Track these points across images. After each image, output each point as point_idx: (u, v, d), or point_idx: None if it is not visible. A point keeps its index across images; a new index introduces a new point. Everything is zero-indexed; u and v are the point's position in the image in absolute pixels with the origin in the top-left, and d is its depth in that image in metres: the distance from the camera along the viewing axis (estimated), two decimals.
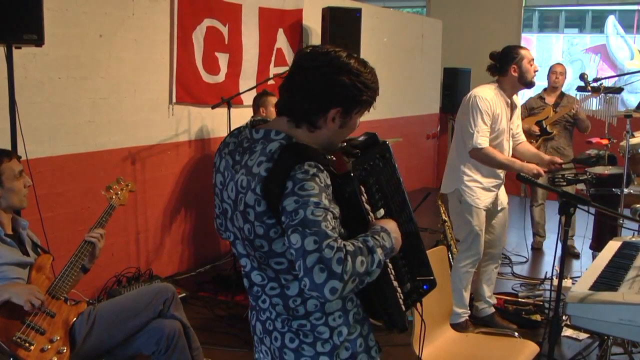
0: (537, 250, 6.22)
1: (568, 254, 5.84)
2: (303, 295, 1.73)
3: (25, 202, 2.95)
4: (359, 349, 1.81)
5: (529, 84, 3.99)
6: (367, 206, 1.75)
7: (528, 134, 5.51)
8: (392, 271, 1.82)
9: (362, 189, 1.75)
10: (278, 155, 1.65)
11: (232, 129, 5.30)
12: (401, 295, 1.83)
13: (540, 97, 6.09)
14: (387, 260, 1.78)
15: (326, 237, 1.53)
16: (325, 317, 1.75)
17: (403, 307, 1.83)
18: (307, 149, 1.66)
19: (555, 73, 6.02)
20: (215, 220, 1.91)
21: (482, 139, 3.84)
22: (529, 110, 6.00)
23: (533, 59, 3.99)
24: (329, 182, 1.64)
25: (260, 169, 1.65)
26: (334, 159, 1.71)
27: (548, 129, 5.84)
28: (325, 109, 1.71)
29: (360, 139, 1.89)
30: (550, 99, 6.02)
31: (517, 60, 3.91)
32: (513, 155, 4.12)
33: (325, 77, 1.70)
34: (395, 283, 1.82)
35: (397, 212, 1.86)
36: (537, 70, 3.98)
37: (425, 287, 1.95)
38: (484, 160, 3.91)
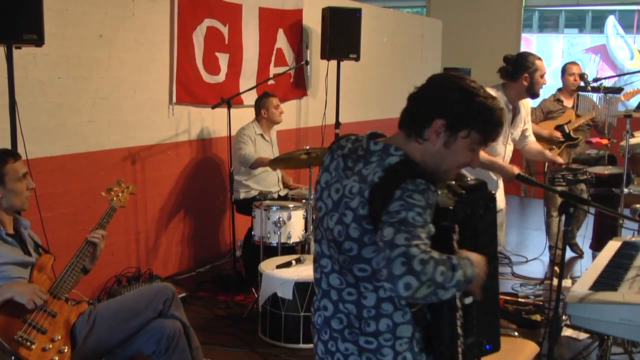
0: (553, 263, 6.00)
1: (573, 251, 5.71)
2: (379, 309, 1.74)
3: (26, 204, 2.95)
4: None
5: (534, 95, 3.96)
6: (455, 246, 1.74)
7: (548, 140, 5.33)
8: (461, 318, 1.80)
9: (457, 228, 1.75)
10: (393, 167, 1.69)
11: (231, 128, 5.28)
12: (462, 345, 1.82)
13: (557, 99, 5.70)
14: (459, 304, 1.78)
15: (418, 238, 1.55)
16: (393, 339, 1.75)
17: (460, 356, 1.82)
18: (422, 169, 1.70)
19: (573, 75, 5.62)
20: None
21: None
22: (545, 113, 5.64)
23: (544, 74, 3.95)
24: (434, 203, 1.65)
25: (374, 177, 1.69)
26: (439, 192, 1.71)
27: (572, 134, 5.49)
28: (429, 117, 1.73)
29: (470, 182, 1.89)
30: (569, 102, 5.66)
31: (531, 71, 3.84)
32: (520, 155, 4.11)
33: (440, 88, 1.75)
34: (460, 330, 1.80)
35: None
36: (544, 84, 3.94)
37: (488, 347, 1.92)
38: None
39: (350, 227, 1.71)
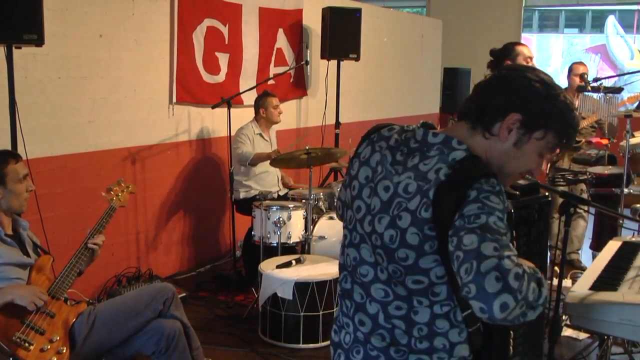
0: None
1: (573, 266, 5.43)
2: (432, 326, 1.52)
3: (25, 206, 2.94)
4: None
5: None
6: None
7: None
8: (512, 338, 1.68)
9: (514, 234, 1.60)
10: (461, 163, 1.47)
11: (231, 128, 5.26)
12: None
13: None
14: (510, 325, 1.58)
15: (508, 249, 1.33)
16: (448, 358, 1.54)
17: None
18: (489, 167, 1.50)
19: (579, 75, 5.41)
20: (336, 210, 1.74)
21: None
22: None
23: (531, 57, 3.92)
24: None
25: (438, 175, 1.46)
26: None
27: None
28: (504, 110, 1.52)
29: (522, 182, 1.72)
30: (576, 103, 5.42)
31: (512, 56, 3.86)
32: None
33: (520, 80, 1.53)
34: (511, 349, 1.68)
35: None
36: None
37: None
38: None
39: (407, 232, 1.47)
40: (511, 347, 1.68)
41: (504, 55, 3.89)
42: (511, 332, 1.66)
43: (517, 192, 1.67)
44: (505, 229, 1.37)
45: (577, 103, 5.55)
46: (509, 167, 1.56)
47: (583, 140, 5.50)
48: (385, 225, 1.52)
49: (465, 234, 1.35)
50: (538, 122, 1.52)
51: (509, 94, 1.52)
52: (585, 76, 5.40)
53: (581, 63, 5.65)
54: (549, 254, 5.47)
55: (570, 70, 5.62)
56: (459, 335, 1.54)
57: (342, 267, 1.67)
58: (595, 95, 5.37)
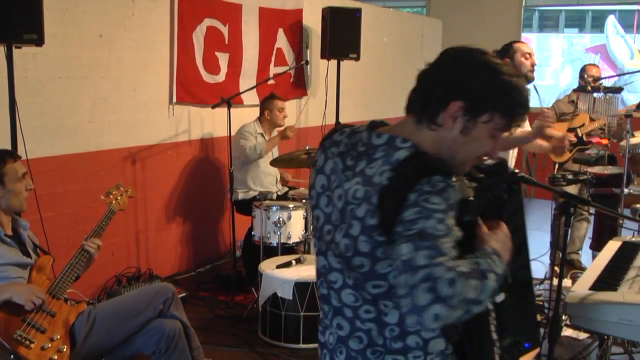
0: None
1: (573, 267, 5.44)
2: (402, 326, 1.50)
3: (24, 205, 2.95)
4: None
5: (526, 79, 3.93)
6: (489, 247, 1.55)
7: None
8: (494, 320, 1.64)
9: (480, 220, 1.56)
10: (403, 164, 1.44)
11: (231, 128, 5.26)
12: (498, 349, 1.65)
13: (571, 100, 5.49)
14: (490, 305, 1.59)
15: (441, 254, 1.31)
16: (424, 355, 1.53)
17: None
18: (437, 162, 1.44)
19: (592, 77, 5.29)
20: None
21: None
22: (558, 115, 5.44)
23: (530, 53, 3.90)
24: (456, 201, 1.42)
25: (382, 179, 1.43)
26: (455, 180, 1.49)
27: (584, 138, 5.30)
28: (445, 99, 1.48)
29: (487, 162, 1.68)
30: (584, 105, 5.32)
31: (510, 54, 3.87)
32: (521, 156, 4.07)
33: (457, 65, 1.49)
34: (494, 335, 1.64)
35: (513, 255, 1.61)
36: (534, 64, 3.87)
37: (527, 345, 1.75)
38: None
39: (358, 240, 1.46)
40: (494, 328, 1.63)
41: (502, 54, 3.89)
42: (491, 315, 1.62)
43: (482, 174, 1.62)
44: (446, 230, 1.35)
45: (585, 106, 5.50)
46: (462, 155, 1.53)
47: (594, 141, 5.45)
48: (342, 234, 1.51)
49: (402, 243, 1.34)
50: (482, 106, 1.48)
51: (448, 82, 1.49)
52: (586, 76, 5.40)
53: (594, 65, 5.58)
54: (549, 251, 5.52)
55: (583, 71, 5.52)
56: (432, 331, 1.53)
57: (317, 273, 1.66)
58: (596, 95, 5.37)
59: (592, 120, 5.37)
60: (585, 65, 5.62)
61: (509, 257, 1.53)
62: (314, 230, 1.65)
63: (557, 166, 5.21)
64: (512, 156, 4.03)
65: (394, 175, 1.42)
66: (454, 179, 1.43)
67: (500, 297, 1.62)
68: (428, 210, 1.35)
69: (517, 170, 1.76)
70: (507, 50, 3.91)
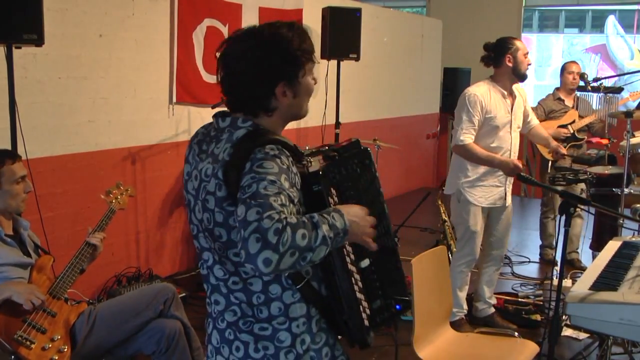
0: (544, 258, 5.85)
1: (573, 266, 5.46)
2: (267, 293, 1.68)
3: (22, 206, 2.94)
4: (324, 359, 1.75)
5: (522, 77, 3.97)
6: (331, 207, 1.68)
7: (554, 139, 5.13)
8: (360, 283, 1.75)
9: (334, 192, 1.71)
10: (240, 140, 1.64)
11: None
12: (367, 310, 1.76)
13: (557, 98, 5.58)
14: (354, 269, 1.72)
15: (270, 208, 1.47)
16: (288, 322, 1.70)
17: (367, 322, 1.76)
18: (270, 134, 1.66)
19: (572, 73, 5.50)
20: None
21: (465, 136, 3.84)
22: (547, 112, 5.51)
23: (527, 53, 3.98)
24: (293, 167, 1.61)
25: (224, 155, 1.64)
26: (311, 160, 1.69)
27: (576, 134, 5.40)
28: (270, 91, 1.69)
29: (344, 144, 1.84)
30: (569, 101, 5.58)
31: (512, 50, 3.91)
32: (528, 139, 4.12)
33: (255, 61, 1.67)
34: (360, 295, 1.75)
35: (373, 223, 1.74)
36: (529, 64, 3.97)
37: (398, 307, 1.88)
38: (465, 156, 3.92)
39: (214, 212, 1.65)
40: (359, 293, 1.73)
41: (504, 50, 3.90)
42: (354, 277, 1.73)
43: (335, 154, 1.78)
44: (278, 190, 1.51)
45: (572, 102, 5.57)
46: (300, 107, 1.76)
47: (585, 138, 5.52)
48: (202, 210, 1.69)
49: (239, 205, 1.51)
50: (295, 73, 1.70)
51: (260, 80, 1.67)
52: (586, 76, 5.42)
53: (574, 62, 5.70)
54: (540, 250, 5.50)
55: (563, 69, 5.67)
56: (293, 296, 1.70)
57: (197, 256, 1.84)
58: (593, 96, 5.39)
59: (581, 117, 5.45)
60: (564, 64, 5.72)
61: (363, 223, 1.65)
62: (188, 216, 1.80)
63: (550, 164, 5.24)
64: (514, 144, 4.03)
65: (234, 151, 1.63)
66: (310, 159, 1.68)
67: (365, 263, 1.78)
68: (260, 174, 1.53)
69: (368, 148, 1.89)
70: (509, 47, 3.91)
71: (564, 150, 4.28)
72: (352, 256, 1.75)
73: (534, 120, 4.28)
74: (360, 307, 1.75)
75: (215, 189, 1.64)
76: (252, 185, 1.52)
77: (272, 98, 1.70)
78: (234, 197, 1.58)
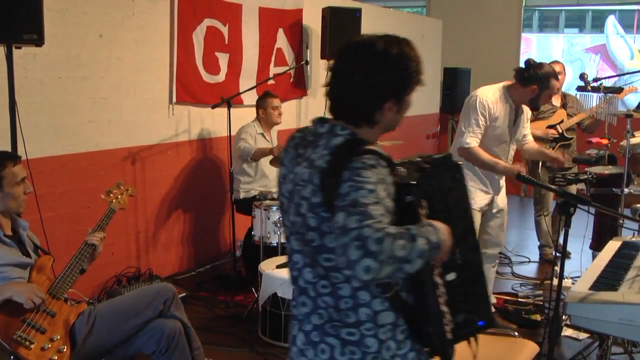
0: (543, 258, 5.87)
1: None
2: (355, 299, 1.70)
3: (23, 207, 2.95)
4: None
5: (535, 108, 4.06)
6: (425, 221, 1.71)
7: (541, 139, 5.23)
8: (445, 295, 1.76)
9: (425, 204, 1.72)
10: (338, 148, 1.67)
11: (231, 128, 5.28)
12: (451, 322, 1.78)
13: None
14: (440, 281, 1.74)
15: (370, 217, 1.50)
16: (376, 328, 1.71)
17: (449, 334, 1.77)
18: (367, 144, 1.67)
19: (558, 74, 5.66)
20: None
21: (471, 139, 3.83)
22: (535, 113, 5.41)
23: (553, 95, 3.99)
24: (388, 178, 1.62)
25: (321, 162, 1.66)
26: (404, 170, 1.72)
27: (565, 134, 5.43)
28: (379, 106, 1.72)
29: (436, 156, 1.85)
30: (557, 101, 5.59)
31: (542, 87, 3.80)
32: (520, 156, 4.11)
33: (372, 76, 1.70)
34: (445, 308, 1.76)
35: (460, 237, 1.78)
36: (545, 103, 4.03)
37: (480, 323, 1.88)
38: (468, 159, 3.89)
39: (307, 217, 1.68)
40: (444, 305, 1.75)
41: (537, 80, 3.75)
42: (439, 289, 1.74)
43: (429, 165, 1.81)
44: (376, 199, 1.54)
45: (560, 102, 5.57)
46: (397, 122, 1.80)
47: (574, 137, 5.55)
48: (295, 214, 1.73)
49: (338, 212, 1.55)
50: (405, 91, 1.74)
51: (371, 95, 1.71)
52: (586, 76, 5.41)
53: (557, 62, 5.66)
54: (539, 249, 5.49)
55: None
56: (382, 304, 1.71)
57: (288, 258, 1.87)
58: (595, 95, 5.38)
59: (569, 116, 5.46)
60: (549, 64, 5.66)
61: (450, 238, 1.68)
62: (282, 217, 1.84)
63: (540, 163, 5.27)
64: (511, 155, 4.04)
65: (331, 159, 1.65)
66: (401, 168, 1.71)
67: (451, 276, 1.79)
68: (359, 182, 1.56)
69: (461, 163, 1.91)
70: (543, 82, 3.79)
71: (562, 158, 4.27)
72: (439, 269, 1.76)
73: (529, 136, 4.24)
74: (444, 319, 1.76)
75: (310, 194, 1.67)
76: (351, 194, 1.55)
77: (378, 112, 1.73)
78: (328, 204, 1.61)
